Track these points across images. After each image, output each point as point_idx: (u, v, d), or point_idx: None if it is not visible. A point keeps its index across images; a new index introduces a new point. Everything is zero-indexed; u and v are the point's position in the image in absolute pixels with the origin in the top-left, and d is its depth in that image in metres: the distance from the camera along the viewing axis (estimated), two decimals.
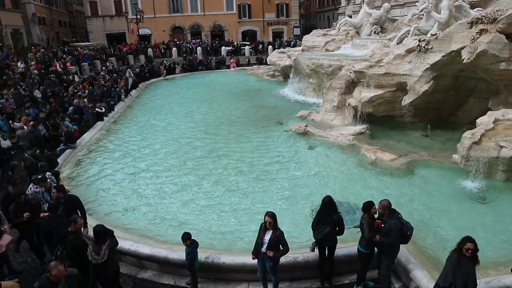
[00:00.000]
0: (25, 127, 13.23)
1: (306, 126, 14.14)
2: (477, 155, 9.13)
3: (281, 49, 32.13)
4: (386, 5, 22.55)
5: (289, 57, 26.01)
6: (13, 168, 11.63)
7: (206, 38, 47.85)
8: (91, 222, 7.21)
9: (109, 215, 8.90)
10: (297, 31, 50.50)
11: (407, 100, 13.17)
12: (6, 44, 31.94)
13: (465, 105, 13.39)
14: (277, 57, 27.89)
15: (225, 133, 14.96)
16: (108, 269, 5.67)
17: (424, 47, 12.55)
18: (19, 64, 22.85)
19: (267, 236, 5.71)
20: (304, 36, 29.37)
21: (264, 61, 34.61)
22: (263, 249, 5.72)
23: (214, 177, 10.74)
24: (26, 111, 16.17)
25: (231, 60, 36.81)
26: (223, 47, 41.15)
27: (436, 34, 12.86)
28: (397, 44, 15.91)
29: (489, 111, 10.79)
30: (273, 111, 18.21)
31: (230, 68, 35.65)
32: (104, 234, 5.67)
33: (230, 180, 10.52)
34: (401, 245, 5.90)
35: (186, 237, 6.18)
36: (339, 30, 25.04)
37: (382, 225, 5.64)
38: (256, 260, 5.95)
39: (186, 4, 47.63)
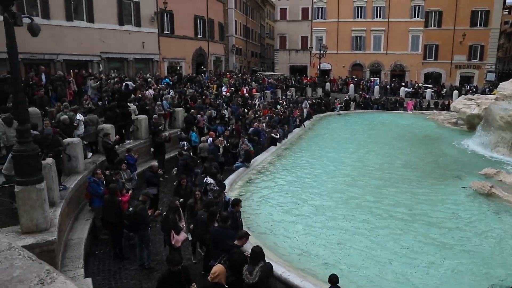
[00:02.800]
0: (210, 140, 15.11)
1: (492, 186, 12.23)
2: None
3: (469, 96, 29.04)
4: None
5: (478, 105, 23.30)
6: (196, 175, 13.53)
7: (385, 77, 46.85)
8: (250, 240, 7.62)
9: (266, 236, 9.30)
10: (491, 77, 44.73)
11: None
12: (208, 69, 37.51)
13: None
14: (463, 104, 25.30)
15: (393, 179, 14.11)
16: None
17: None
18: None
19: None
20: (501, 83, 25.87)
21: (446, 107, 31.85)
22: None
23: (377, 226, 10.08)
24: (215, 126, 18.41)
25: (409, 102, 35.03)
26: (402, 88, 39.55)
27: None
28: None
29: None
30: (451, 164, 16.45)
31: (407, 111, 33.94)
32: (259, 256, 5.92)
33: (393, 234, 9.67)
34: None
35: (334, 280, 6.03)
36: None
37: None
38: None
39: (369, 42, 47.75)
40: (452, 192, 12.63)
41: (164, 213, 8.44)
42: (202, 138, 15.75)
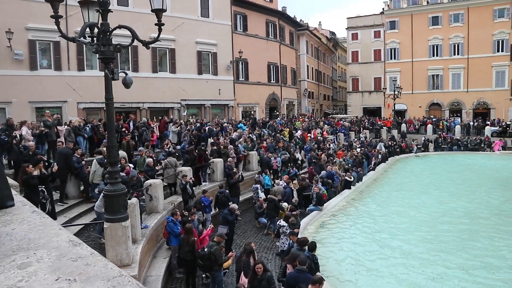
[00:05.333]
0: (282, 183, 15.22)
1: None
2: None
3: None
4: None
5: None
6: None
7: (467, 116, 44.06)
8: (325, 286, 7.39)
9: (339, 283, 8.94)
10: None
11: None
12: (281, 113, 38.36)
13: None
14: None
15: (477, 229, 12.74)
16: None
17: None
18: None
19: None
20: None
21: None
22: None
23: (453, 275, 9.24)
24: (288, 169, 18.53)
25: (496, 142, 32.36)
26: (487, 127, 36.78)
27: None
28: None
29: None
30: None
31: (494, 151, 31.31)
32: None
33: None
34: None
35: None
36: None
37: None
38: None
39: (447, 80, 45.71)
40: None
41: (239, 254, 8.56)
42: (276, 181, 15.92)
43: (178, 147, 17.36)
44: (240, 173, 15.26)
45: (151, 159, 12.82)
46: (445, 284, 8.83)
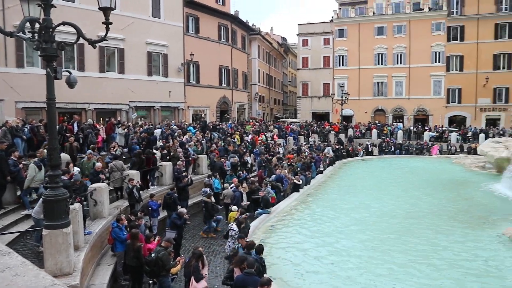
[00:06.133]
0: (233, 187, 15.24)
1: None
2: None
3: (497, 139, 28.46)
4: None
5: (507, 148, 22.77)
6: (218, 221, 13.78)
7: (408, 122, 46.60)
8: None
9: (288, 283, 9.13)
10: None
11: None
12: (232, 116, 38.43)
13: None
14: (491, 147, 24.76)
15: (417, 228, 13.52)
16: None
17: None
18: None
19: None
20: None
21: (473, 151, 31.20)
22: None
23: (401, 272, 9.79)
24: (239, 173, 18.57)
25: (434, 146, 34.53)
26: (426, 132, 39.14)
27: None
28: None
29: None
30: (481, 209, 15.85)
31: (432, 155, 33.39)
32: None
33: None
34: None
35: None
36: None
37: None
38: None
39: (391, 87, 48.09)
40: (483, 239, 12.10)
41: (187, 259, 8.46)
42: (225, 185, 15.92)
43: (126, 150, 16.89)
44: (189, 177, 15.11)
45: (100, 164, 12.38)
46: (388, 281, 9.27)
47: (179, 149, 17.14)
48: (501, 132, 37.15)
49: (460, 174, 24.73)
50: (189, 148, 18.28)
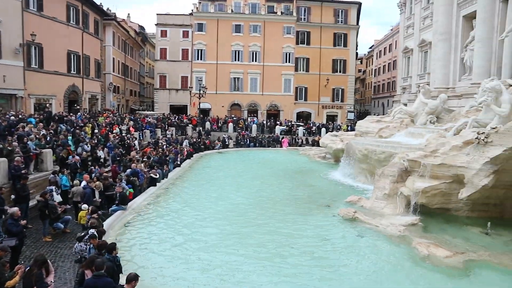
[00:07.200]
0: (83, 184, 14.07)
1: (355, 212, 13.70)
2: None
3: (334, 132, 32.55)
4: (442, 95, 22.62)
5: (342, 141, 26.22)
6: (67, 221, 12.57)
7: (262, 116, 49.81)
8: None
9: (149, 278, 8.91)
10: (351, 116, 51.43)
11: (464, 193, 12.56)
12: (83, 107, 35.30)
13: None
14: (330, 140, 28.20)
15: (269, 212, 14.66)
16: None
17: (483, 140, 12.21)
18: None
19: None
20: (358, 121, 29.70)
21: (316, 143, 35.05)
22: None
23: (254, 255, 10.50)
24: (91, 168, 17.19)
25: (284, 139, 37.69)
26: (277, 126, 42.46)
27: (496, 127, 12.52)
28: (454, 135, 15.60)
29: None
30: (322, 194, 17.94)
31: (282, 147, 36.38)
32: None
33: (269, 261, 10.17)
34: None
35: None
36: (393, 117, 25.14)
37: None
38: None
39: (247, 84, 50.60)
40: (324, 219, 13.76)
41: (28, 267, 7.46)
42: (75, 182, 14.55)
43: None
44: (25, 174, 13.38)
45: None
46: (246, 268, 9.81)
47: (15, 143, 15.00)
48: (338, 127, 42.83)
49: (305, 164, 27.54)
50: (29, 142, 16.11)
